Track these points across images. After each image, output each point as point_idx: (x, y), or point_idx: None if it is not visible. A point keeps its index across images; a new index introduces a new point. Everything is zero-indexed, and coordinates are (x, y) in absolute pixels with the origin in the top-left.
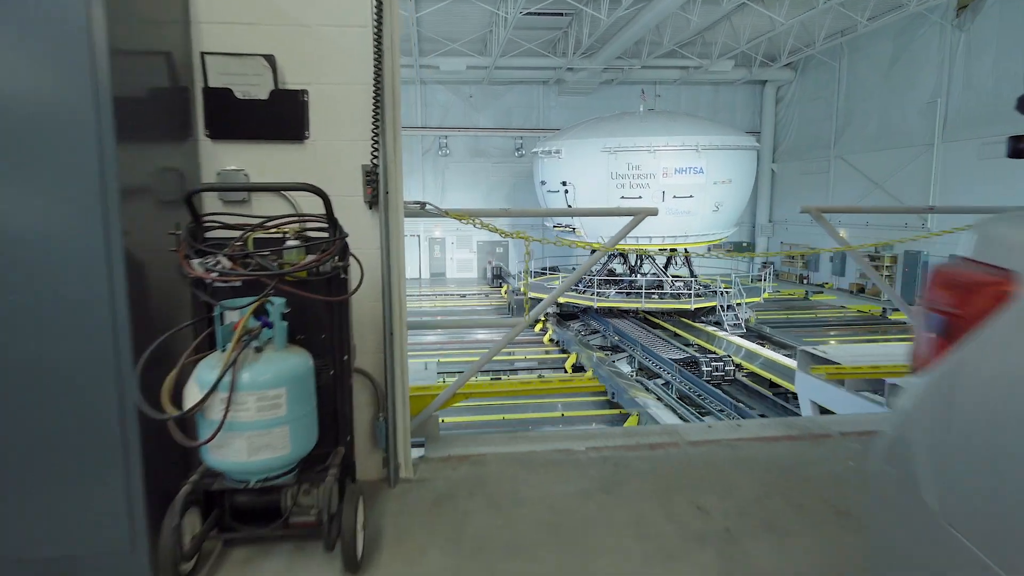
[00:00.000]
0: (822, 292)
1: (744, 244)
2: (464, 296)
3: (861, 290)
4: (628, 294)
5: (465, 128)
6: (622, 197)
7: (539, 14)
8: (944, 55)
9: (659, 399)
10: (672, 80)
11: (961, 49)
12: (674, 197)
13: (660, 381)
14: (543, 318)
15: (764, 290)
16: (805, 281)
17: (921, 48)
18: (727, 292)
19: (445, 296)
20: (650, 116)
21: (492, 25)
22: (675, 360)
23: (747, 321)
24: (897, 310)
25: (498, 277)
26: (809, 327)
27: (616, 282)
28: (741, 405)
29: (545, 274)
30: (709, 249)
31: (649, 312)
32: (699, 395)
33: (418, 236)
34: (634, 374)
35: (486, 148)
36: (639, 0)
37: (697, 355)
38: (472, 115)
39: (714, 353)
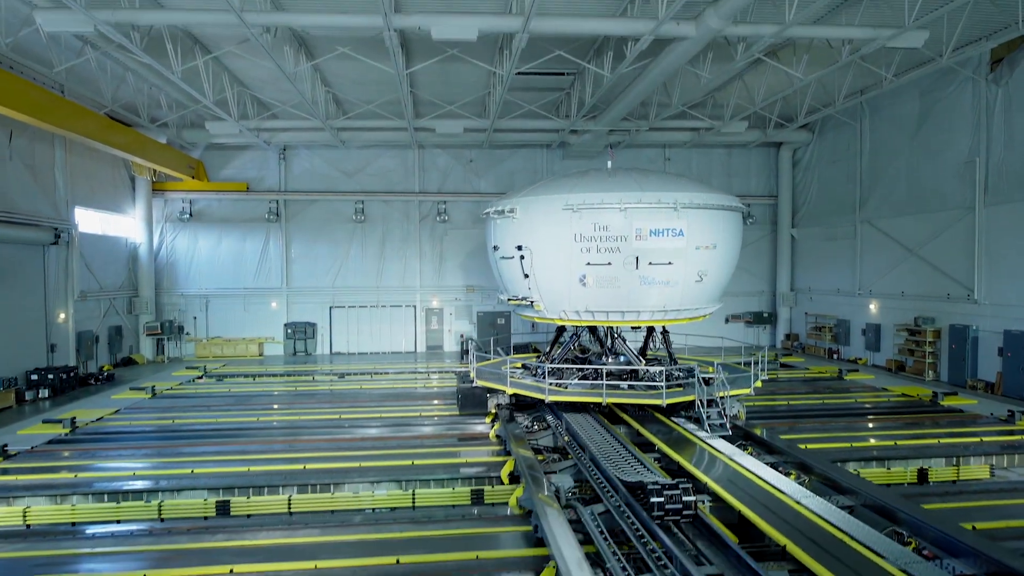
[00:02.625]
0: (857, 370)
1: (765, 315)
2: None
3: (901, 368)
4: (593, 383)
5: (465, 193)
6: (588, 263)
7: (537, 73)
8: (980, 111)
9: (587, 539)
10: (683, 143)
11: (1000, 104)
12: (650, 264)
13: (600, 508)
14: (493, 410)
15: (756, 378)
16: (835, 356)
17: (953, 105)
18: (712, 381)
19: (442, 373)
20: (619, 172)
21: (490, 87)
22: (623, 481)
23: (735, 418)
24: (951, 394)
25: (466, 352)
26: (841, 415)
27: (579, 369)
28: (695, 550)
29: (506, 354)
30: (727, 320)
31: (618, 404)
32: (642, 536)
33: (414, 307)
34: (573, 493)
35: None
36: (644, 56)
37: (646, 479)
38: (472, 180)
39: (685, 472)
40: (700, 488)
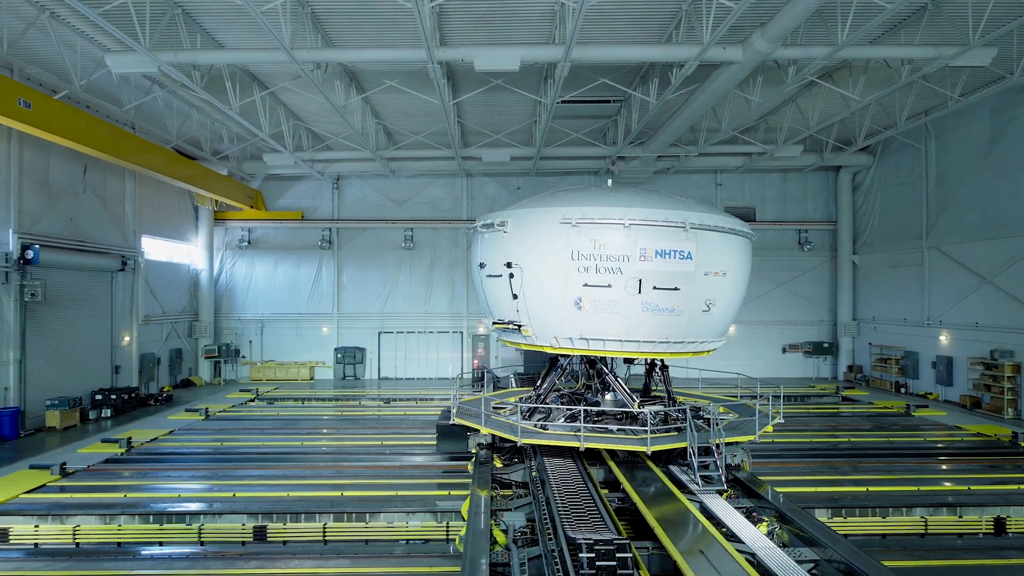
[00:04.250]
0: (927, 406)
1: (825, 345)
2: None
3: (976, 404)
4: (582, 421)
5: None
6: (585, 285)
7: (582, 101)
8: None
9: None
10: (735, 168)
11: None
12: (654, 288)
13: (535, 552)
14: (474, 449)
15: (769, 420)
16: (903, 390)
17: None
18: (717, 423)
19: None
20: (623, 188)
21: (536, 115)
22: (568, 536)
23: (736, 468)
24: None
25: (479, 380)
26: (908, 455)
27: (568, 408)
28: None
29: (518, 384)
30: (784, 350)
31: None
32: None
33: (461, 333)
34: (523, 533)
35: None
36: (691, 81)
37: (578, 535)
38: None
39: (642, 517)
40: (649, 533)
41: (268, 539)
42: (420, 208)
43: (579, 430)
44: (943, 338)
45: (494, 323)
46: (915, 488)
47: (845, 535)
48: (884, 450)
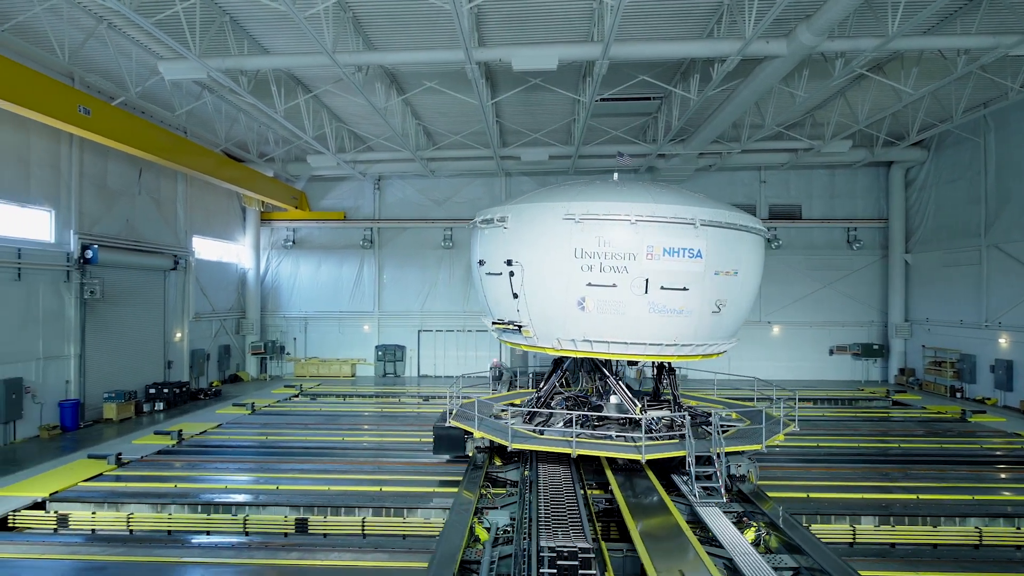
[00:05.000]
0: (984, 412)
1: (875, 347)
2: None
3: None
4: (581, 429)
5: None
6: (589, 284)
7: (622, 99)
8: None
9: None
10: (779, 164)
11: None
12: (661, 288)
13: (507, 550)
14: (471, 453)
15: (781, 427)
16: (958, 395)
17: None
18: (726, 430)
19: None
20: (630, 183)
21: (574, 114)
22: (544, 545)
23: (741, 479)
24: None
25: (498, 379)
26: (963, 463)
27: (567, 411)
28: None
29: (535, 386)
30: (832, 351)
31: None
32: None
33: None
34: (505, 531)
35: None
36: (733, 76)
37: (546, 542)
38: None
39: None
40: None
41: (309, 531)
42: (459, 208)
43: (576, 435)
44: (1002, 341)
45: (493, 323)
46: (969, 497)
47: (893, 544)
48: (937, 457)
